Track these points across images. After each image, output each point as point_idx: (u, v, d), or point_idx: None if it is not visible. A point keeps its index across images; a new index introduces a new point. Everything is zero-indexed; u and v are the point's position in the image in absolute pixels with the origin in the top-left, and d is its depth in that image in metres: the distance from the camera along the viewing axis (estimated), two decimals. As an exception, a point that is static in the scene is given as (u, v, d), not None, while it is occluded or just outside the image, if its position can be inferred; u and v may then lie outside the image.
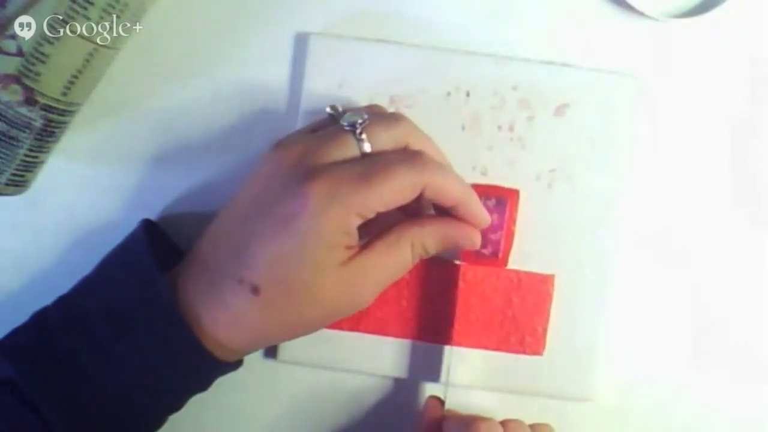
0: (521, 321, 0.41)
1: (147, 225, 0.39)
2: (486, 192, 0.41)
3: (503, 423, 0.38)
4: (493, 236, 0.41)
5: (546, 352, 0.41)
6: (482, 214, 0.36)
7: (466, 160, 0.41)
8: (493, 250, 0.41)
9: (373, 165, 0.33)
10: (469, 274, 0.41)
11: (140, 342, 0.34)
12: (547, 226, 0.41)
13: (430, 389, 0.42)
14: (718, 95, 0.42)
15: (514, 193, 0.41)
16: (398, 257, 0.35)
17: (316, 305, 0.34)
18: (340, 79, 0.41)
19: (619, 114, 0.41)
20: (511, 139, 0.41)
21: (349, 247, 0.34)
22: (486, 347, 0.41)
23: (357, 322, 0.41)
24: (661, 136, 0.42)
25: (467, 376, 0.41)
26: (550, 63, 0.41)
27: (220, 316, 0.34)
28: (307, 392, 0.43)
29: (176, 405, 0.37)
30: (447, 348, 0.41)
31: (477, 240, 0.37)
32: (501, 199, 0.41)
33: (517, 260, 0.41)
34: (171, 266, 0.36)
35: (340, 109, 0.36)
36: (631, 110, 0.41)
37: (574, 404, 0.42)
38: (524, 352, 0.41)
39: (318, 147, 0.34)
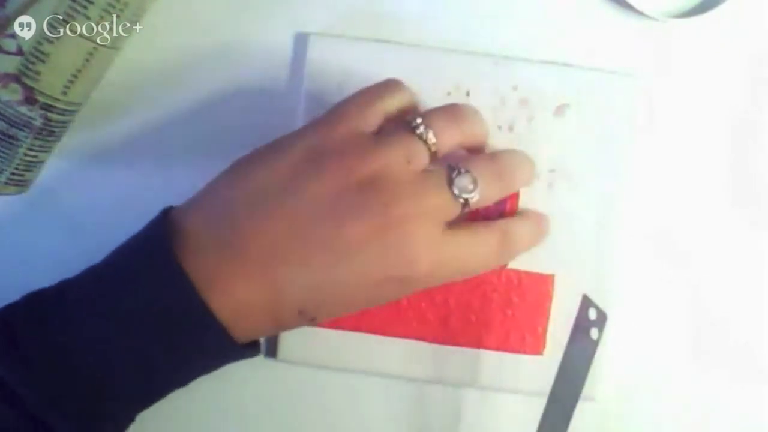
0: (521, 321, 0.41)
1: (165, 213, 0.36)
2: None
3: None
4: None
5: (546, 352, 0.41)
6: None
7: (466, 160, 0.41)
8: None
9: (500, 163, 0.35)
10: (469, 274, 0.41)
11: (152, 323, 0.32)
12: (547, 226, 0.41)
13: (430, 389, 0.42)
14: (718, 95, 0.42)
15: (514, 196, 0.41)
16: (483, 246, 0.35)
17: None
18: (340, 79, 0.41)
19: (619, 114, 0.41)
20: (511, 139, 0.41)
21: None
22: (486, 347, 0.41)
23: (357, 322, 0.41)
24: (661, 136, 0.42)
25: (467, 376, 0.41)
26: (550, 63, 0.41)
27: (251, 323, 0.33)
28: (307, 392, 0.43)
29: (182, 383, 0.35)
30: (447, 348, 0.41)
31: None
32: (501, 202, 0.40)
33: (517, 260, 0.41)
34: None
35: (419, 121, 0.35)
36: (631, 110, 0.41)
37: (574, 404, 0.42)
38: (524, 352, 0.41)
39: (399, 161, 0.33)
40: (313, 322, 0.34)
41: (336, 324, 0.41)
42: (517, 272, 0.41)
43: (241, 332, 0.33)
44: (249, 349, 0.35)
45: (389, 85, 0.36)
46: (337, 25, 0.41)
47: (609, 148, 0.41)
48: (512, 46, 0.41)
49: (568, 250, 0.41)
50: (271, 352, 0.42)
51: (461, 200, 0.33)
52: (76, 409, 0.33)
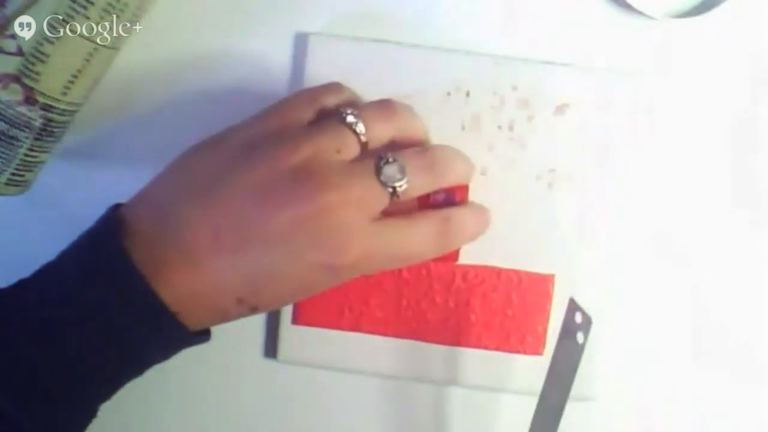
0: (521, 321, 0.41)
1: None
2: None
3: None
4: None
5: (546, 352, 0.41)
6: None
7: (466, 160, 0.41)
8: None
9: (432, 155, 0.36)
10: (469, 274, 0.41)
11: (95, 296, 0.33)
12: (547, 226, 0.41)
13: (430, 389, 0.42)
14: (719, 95, 0.42)
15: (462, 188, 0.40)
16: (419, 236, 0.35)
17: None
18: (340, 79, 0.41)
19: (619, 114, 0.41)
20: (511, 139, 0.41)
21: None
22: (486, 347, 0.41)
23: (357, 322, 0.41)
24: (661, 136, 0.42)
25: (467, 376, 0.41)
26: (550, 63, 0.41)
27: (197, 312, 0.33)
28: (307, 392, 0.43)
29: (136, 372, 0.35)
30: (447, 348, 0.41)
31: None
32: (450, 194, 0.40)
33: (518, 260, 0.41)
34: None
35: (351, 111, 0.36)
36: (631, 110, 0.41)
37: (574, 404, 0.42)
38: (524, 352, 0.41)
39: (327, 147, 0.34)
40: (255, 310, 0.34)
41: (336, 324, 0.41)
42: (517, 272, 0.41)
43: (190, 320, 0.34)
44: (200, 336, 0.35)
45: (328, 85, 0.37)
46: (337, 25, 0.41)
47: (609, 148, 0.41)
48: (512, 46, 0.41)
49: (568, 250, 0.41)
50: (271, 352, 0.42)
51: (389, 189, 0.34)
52: (37, 403, 0.33)
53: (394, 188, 0.34)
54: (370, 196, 0.34)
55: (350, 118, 0.35)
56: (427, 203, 0.38)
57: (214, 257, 0.33)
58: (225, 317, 0.35)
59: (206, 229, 0.33)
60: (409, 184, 0.34)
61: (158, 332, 0.34)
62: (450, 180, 0.37)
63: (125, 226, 0.34)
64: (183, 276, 0.33)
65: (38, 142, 0.37)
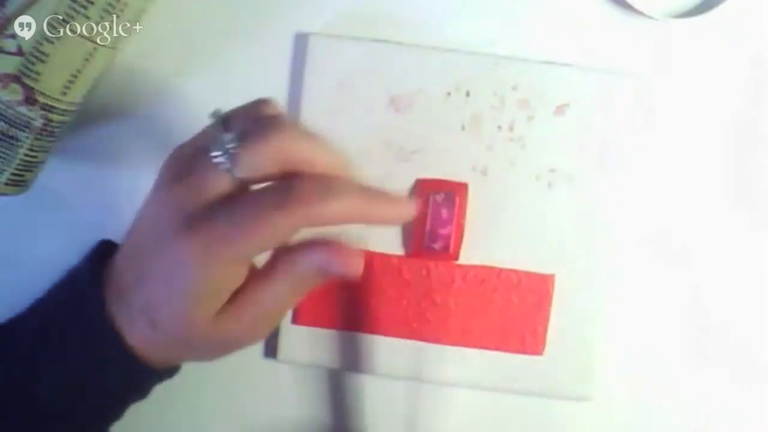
0: (521, 321, 0.41)
1: (102, 245, 0.38)
2: (434, 187, 0.41)
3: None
4: (442, 231, 0.40)
5: (546, 352, 0.41)
6: (394, 213, 0.32)
7: (466, 160, 0.41)
8: (444, 245, 0.41)
9: (241, 212, 0.31)
10: (469, 274, 0.41)
11: (72, 353, 0.34)
12: (547, 226, 0.41)
13: (430, 389, 0.42)
14: (719, 95, 0.42)
15: (462, 187, 0.41)
16: (272, 292, 0.33)
17: (207, 347, 0.34)
18: (340, 79, 0.41)
19: (619, 114, 0.41)
20: (511, 139, 0.41)
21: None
22: (486, 347, 0.41)
23: (357, 322, 0.41)
24: (661, 136, 0.42)
25: (467, 376, 0.41)
26: (550, 63, 0.41)
27: (134, 336, 0.34)
28: (307, 392, 0.43)
29: (115, 413, 0.37)
30: (447, 348, 0.41)
31: (355, 268, 0.32)
32: (450, 194, 0.40)
33: (518, 260, 0.41)
34: None
35: (221, 113, 0.33)
36: (631, 110, 0.41)
37: (574, 404, 0.42)
38: (524, 352, 0.41)
39: (192, 187, 0.32)
40: (152, 325, 0.34)
41: (336, 324, 0.41)
42: (517, 272, 0.41)
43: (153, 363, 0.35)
44: (168, 372, 0.37)
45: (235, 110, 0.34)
46: (337, 25, 0.41)
47: (609, 148, 0.41)
48: (512, 46, 0.41)
49: (568, 250, 0.41)
50: (271, 352, 0.42)
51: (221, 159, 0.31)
52: None
53: (224, 154, 0.31)
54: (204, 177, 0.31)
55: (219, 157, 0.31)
56: (426, 204, 0.38)
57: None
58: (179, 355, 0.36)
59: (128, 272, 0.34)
60: (240, 147, 0.31)
61: (136, 383, 0.36)
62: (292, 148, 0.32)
63: (109, 276, 0.35)
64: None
65: (38, 142, 0.37)
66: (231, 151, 0.31)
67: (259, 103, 0.34)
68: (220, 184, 0.31)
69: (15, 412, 0.35)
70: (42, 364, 0.35)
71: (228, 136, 0.31)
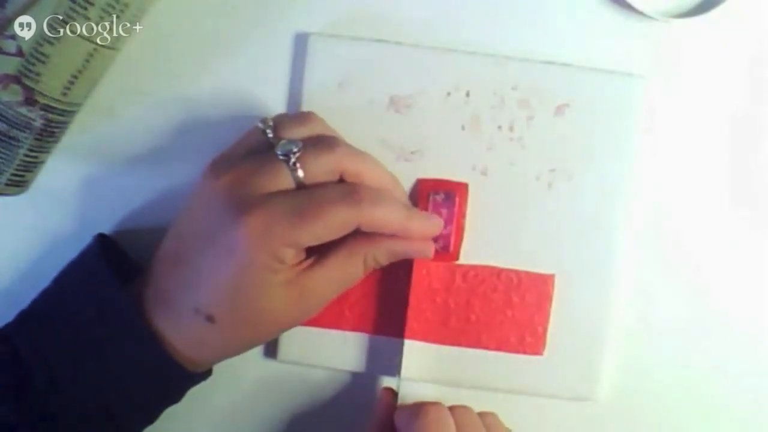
0: (521, 321, 0.41)
1: (101, 239, 0.39)
2: (434, 187, 0.41)
3: (451, 409, 0.38)
4: (443, 230, 0.40)
5: (546, 352, 0.41)
6: (428, 229, 0.38)
7: (466, 160, 0.41)
8: (444, 244, 0.41)
9: (307, 201, 0.34)
10: (469, 274, 0.41)
11: (112, 360, 0.35)
12: (547, 226, 0.41)
13: (429, 389, 0.42)
14: (719, 95, 0.42)
15: (462, 187, 0.41)
16: (350, 271, 0.37)
17: (269, 324, 0.36)
18: (340, 79, 0.41)
19: (619, 114, 0.41)
20: (511, 139, 0.41)
21: (295, 265, 0.35)
22: (486, 347, 0.41)
23: (357, 322, 0.41)
24: (661, 136, 0.42)
25: (467, 376, 0.41)
26: (550, 63, 0.41)
27: (183, 339, 0.35)
28: (306, 392, 0.43)
29: (151, 418, 0.38)
30: (447, 348, 0.41)
31: (429, 251, 0.38)
32: (450, 194, 0.40)
33: (518, 260, 0.41)
34: (125, 279, 0.37)
35: (271, 123, 0.36)
36: (631, 110, 0.41)
37: (574, 404, 0.42)
38: (524, 352, 0.41)
39: (251, 177, 0.34)
40: (211, 320, 0.35)
41: (336, 324, 0.41)
42: (517, 272, 0.41)
43: (191, 365, 0.37)
44: (202, 375, 0.38)
45: (298, 115, 0.39)
46: (337, 25, 0.41)
47: (609, 148, 0.41)
48: (512, 46, 0.41)
49: (568, 250, 0.41)
50: (271, 352, 0.42)
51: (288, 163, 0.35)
52: None
53: (288, 157, 0.35)
54: (269, 169, 0.35)
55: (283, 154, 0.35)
56: (426, 204, 0.38)
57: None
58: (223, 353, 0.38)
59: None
60: (303, 153, 0.35)
61: (169, 385, 0.37)
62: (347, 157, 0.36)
63: (148, 285, 0.37)
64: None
65: (38, 143, 0.37)
66: (298, 154, 0.35)
67: (309, 115, 0.38)
68: (283, 180, 0.35)
69: (54, 412, 0.35)
70: (85, 369, 0.35)
71: (294, 142, 0.35)
